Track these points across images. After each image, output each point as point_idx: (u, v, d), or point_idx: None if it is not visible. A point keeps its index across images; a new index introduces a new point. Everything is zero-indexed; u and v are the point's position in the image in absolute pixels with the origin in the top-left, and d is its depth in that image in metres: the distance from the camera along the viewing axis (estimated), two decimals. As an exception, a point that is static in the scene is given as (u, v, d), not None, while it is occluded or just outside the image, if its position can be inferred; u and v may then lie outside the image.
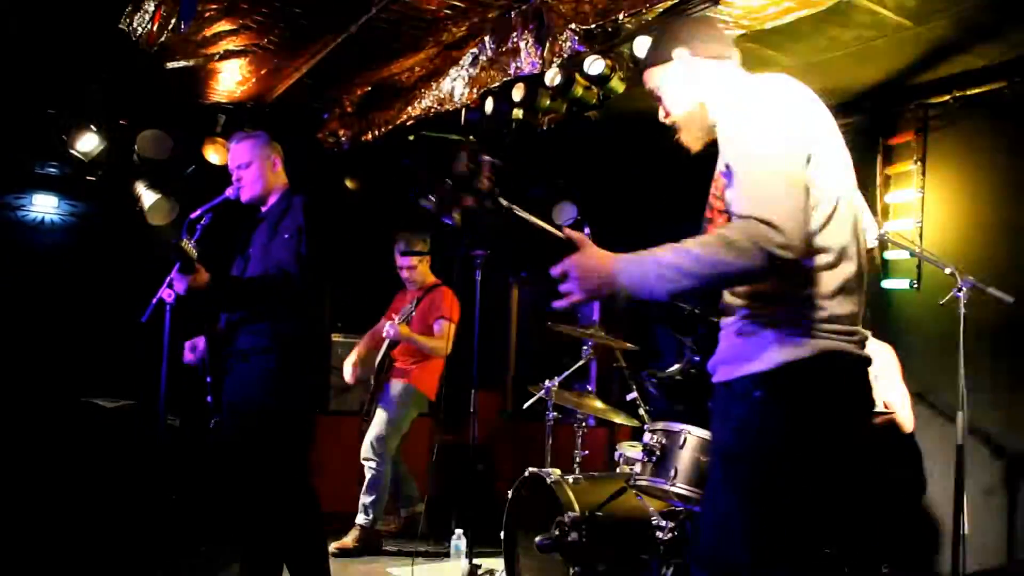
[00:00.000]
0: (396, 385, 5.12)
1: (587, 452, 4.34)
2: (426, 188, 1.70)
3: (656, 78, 2.18)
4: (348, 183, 5.96)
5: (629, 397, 4.46)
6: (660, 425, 3.69)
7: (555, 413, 4.44)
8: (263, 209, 3.59)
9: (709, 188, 2.05)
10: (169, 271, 3.53)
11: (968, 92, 4.37)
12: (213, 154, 5.49)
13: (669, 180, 5.20)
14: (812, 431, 1.85)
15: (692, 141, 2.16)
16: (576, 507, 3.47)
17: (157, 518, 4.17)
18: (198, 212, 3.53)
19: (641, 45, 3.70)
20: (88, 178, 5.38)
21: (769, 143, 1.82)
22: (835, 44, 4.16)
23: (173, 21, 4.17)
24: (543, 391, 4.32)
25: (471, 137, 4.07)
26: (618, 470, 4.10)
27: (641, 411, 4.35)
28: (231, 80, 5.08)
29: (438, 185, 1.70)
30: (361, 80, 5.06)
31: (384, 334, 4.99)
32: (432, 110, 4.92)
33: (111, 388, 5.38)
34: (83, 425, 5.10)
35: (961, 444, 3.23)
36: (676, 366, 2.14)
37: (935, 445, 3.91)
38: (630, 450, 4.21)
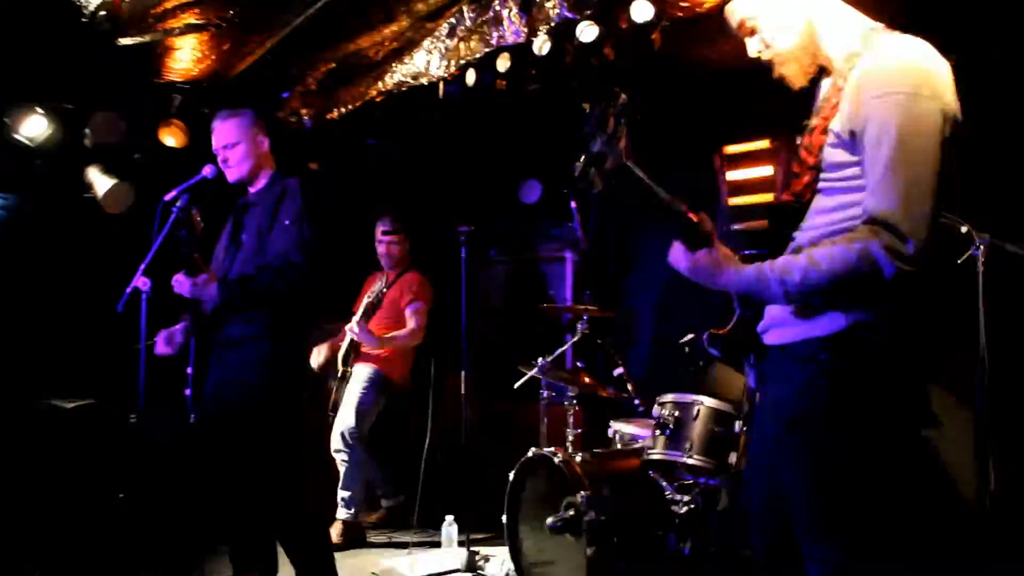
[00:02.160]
0: (362, 369, 4.92)
1: (580, 431, 4.27)
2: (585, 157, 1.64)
3: (752, 4, 1.94)
4: (311, 164, 5.73)
5: (616, 373, 4.40)
6: (670, 397, 3.63)
7: (549, 392, 4.35)
8: (251, 191, 3.42)
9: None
10: (142, 259, 3.32)
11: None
12: (169, 136, 5.21)
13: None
14: (878, 395, 1.77)
15: (797, 75, 1.92)
16: (588, 486, 3.37)
17: (129, 519, 3.95)
18: (173, 193, 3.30)
19: (638, 10, 3.56)
20: (35, 164, 5.03)
21: (930, 136, 1.67)
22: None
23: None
24: (536, 369, 4.21)
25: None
26: (618, 447, 4.02)
27: (630, 386, 4.30)
28: (188, 57, 4.80)
29: (587, 152, 1.62)
30: (328, 55, 4.84)
31: (348, 330, 4.80)
32: (405, 85, 4.76)
33: (69, 388, 5.07)
34: (41, 428, 4.80)
35: (981, 412, 3.13)
36: (731, 323, 2.05)
37: (952, 414, 3.75)
38: (625, 426, 4.15)
